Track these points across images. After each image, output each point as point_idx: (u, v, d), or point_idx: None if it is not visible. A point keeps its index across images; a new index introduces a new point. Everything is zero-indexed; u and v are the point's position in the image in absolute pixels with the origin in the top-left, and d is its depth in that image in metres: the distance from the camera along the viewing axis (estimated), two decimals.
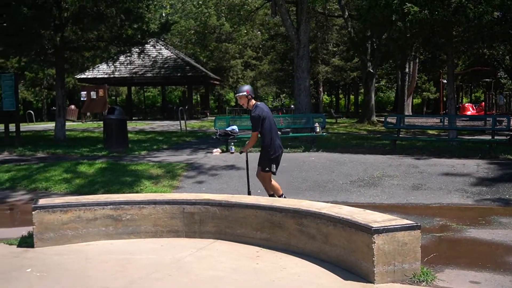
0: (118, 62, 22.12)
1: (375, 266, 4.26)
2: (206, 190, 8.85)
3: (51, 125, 25.14)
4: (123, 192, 8.49)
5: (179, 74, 30.43)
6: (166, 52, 32.20)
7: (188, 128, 21.58)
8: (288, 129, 14.43)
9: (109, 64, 22.81)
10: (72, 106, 33.22)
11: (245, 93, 6.96)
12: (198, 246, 5.49)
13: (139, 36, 17.40)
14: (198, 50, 41.94)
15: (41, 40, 15.82)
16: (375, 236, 4.25)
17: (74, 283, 4.38)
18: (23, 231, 6.12)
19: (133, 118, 32.95)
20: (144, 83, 36.66)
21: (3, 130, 16.03)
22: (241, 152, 7.75)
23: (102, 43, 17.69)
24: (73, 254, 5.28)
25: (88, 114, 30.94)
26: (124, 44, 17.42)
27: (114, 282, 4.39)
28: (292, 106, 24.21)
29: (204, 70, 34.13)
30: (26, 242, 5.67)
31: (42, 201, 5.82)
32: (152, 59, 29.65)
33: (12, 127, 15.58)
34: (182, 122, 21.74)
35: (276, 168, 7.14)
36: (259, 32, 42.89)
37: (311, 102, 15.57)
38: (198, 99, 48.06)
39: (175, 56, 32.34)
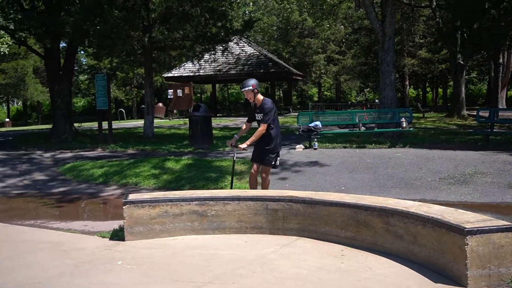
0: (202, 60, 22.63)
1: (468, 270, 4.03)
2: (289, 186, 8.82)
3: (140, 122, 26.22)
4: (208, 188, 8.65)
5: (262, 71, 30.65)
6: (249, 49, 32.54)
7: None
8: (373, 125, 14.08)
9: (194, 62, 23.38)
10: (160, 104, 34.43)
11: (250, 87, 6.78)
12: (281, 243, 5.47)
13: (222, 34, 17.69)
14: (280, 46, 42.04)
15: (130, 41, 16.50)
16: (468, 237, 4.01)
17: (162, 277, 4.50)
18: (114, 224, 6.40)
19: (217, 114, 33.62)
20: (227, 80, 37.28)
21: (97, 128, 16.91)
22: (236, 147, 7.09)
23: (187, 42, 18.16)
24: (160, 248, 5.44)
25: (175, 111, 31.96)
26: (209, 42, 17.79)
27: (200, 276, 4.46)
28: (377, 100, 23.61)
29: (286, 66, 34.14)
30: (117, 235, 5.91)
31: (132, 196, 6.04)
32: (236, 57, 30.08)
33: (105, 124, 16.38)
34: None
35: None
36: (342, 26, 42.26)
37: (396, 96, 15.08)
38: (281, 95, 48.19)
39: (258, 53, 32.60)
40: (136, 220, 5.76)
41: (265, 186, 7.11)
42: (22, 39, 16.71)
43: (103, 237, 6.01)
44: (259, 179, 7.16)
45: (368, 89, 50.75)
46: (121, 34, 15.63)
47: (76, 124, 19.94)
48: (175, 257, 5.11)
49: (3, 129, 33.12)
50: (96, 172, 10.82)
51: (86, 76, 50.49)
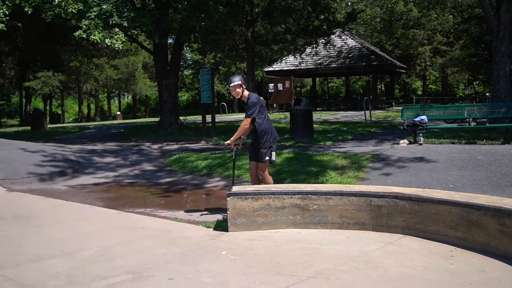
0: (304, 54, 22.58)
1: None
2: (392, 182, 8.55)
3: (241, 116, 26.71)
4: (309, 182, 8.61)
5: (363, 64, 30.00)
6: (351, 42, 31.98)
7: (372, 119, 21.16)
8: (485, 119, 13.28)
9: (296, 56, 23.39)
10: (261, 98, 34.84)
11: (239, 82, 6.62)
12: (385, 240, 5.32)
13: (325, 27, 17.54)
14: (383, 38, 40.89)
15: (234, 36, 16.84)
16: None
17: (265, 268, 4.54)
18: (218, 215, 6.57)
19: (317, 108, 33.42)
20: (328, 73, 36.93)
21: (201, 121, 17.47)
22: (228, 144, 6.95)
23: (289, 35, 18.20)
24: (263, 240, 5.50)
25: (275, 105, 32.21)
26: (311, 35, 17.71)
27: (302, 270, 4.45)
28: (488, 94, 22.22)
29: (389, 58, 33.15)
30: (221, 226, 6.06)
31: (235, 188, 6.15)
32: (337, 50, 29.69)
33: (208, 118, 16.88)
34: (367, 112, 21.38)
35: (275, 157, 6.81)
36: (450, 16, 40.19)
37: (511, 90, 14.08)
38: (382, 88, 46.92)
39: (360, 46, 31.95)
40: (239, 212, 5.86)
41: (265, 183, 6.84)
42: (134, 36, 17.65)
43: (208, 227, 6.19)
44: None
45: (477, 82, 47.94)
46: (225, 29, 16.00)
47: (181, 118, 20.73)
48: (277, 250, 5.14)
49: (115, 122, 35.30)
50: (200, 164, 11.17)
51: (190, 71, 52.40)
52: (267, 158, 6.65)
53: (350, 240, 5.40)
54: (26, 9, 14.66)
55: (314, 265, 4.59)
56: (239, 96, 6.77)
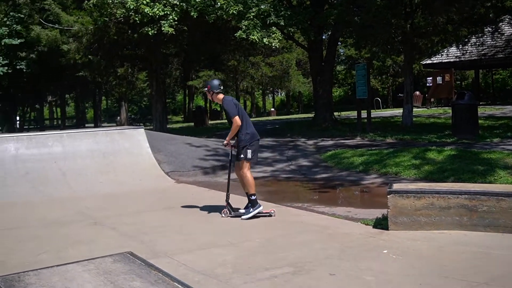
0: (466, 45, 21.16)
1: None
2: None
3: (396, 111, 25.89)
4: (475, 181, 8.04)
5: None
6: None
7: None
8: None
9: (458, 48, 22.00)
10: (417, 92, 33.39)
11: (206, 88, 6.95)
12: None
13: (492, 14, 16.22)
14: None
15: (390, 29, 16.35)
16: None
17: (430, 270, 4.34)
18: (376, 213, 6.43)
19: (481, 103, 31.08)
20: (492, 65, 34.10)
21: (355, 117, 17.26)
22: (225, 145, 6.99)
23: (450, 26, 17.17)
24: (426, 240, 5.26)
25: (432, 99, 30.66)
26: (475, 24, 16.51)
27: (472, 276, 4.17)
28: None
29: None
30: (381, 224, 5.92)
31: (396, 186, 5.97)
32: (506, 38, 27.30)
33: (363, 113, 16.61)
34: None
35: (256, 156, 6.80)
36: None
37: None
38: None
39: None
40: (400, 210, 5.67)
41: (243, 183, 6.75)
42: (291, 33, 18.00)
43: (366, 224, 6.09)
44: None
45: None
46: (382, 22, 15.60)
47: (335, 113, 20.69)
48: (442, 252, 4.88)
49: (270, 118, 36.37)
50: (356, 160, 11.04)
51: (343, 67, 52.01)
52: (242, 156, 6.66)
53: None
54: (192, 13, 15.73)
55: (485, 271, 4.28)
56: (215, 101, 7.04)
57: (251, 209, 6.63)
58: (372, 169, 10.20)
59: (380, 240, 5.39)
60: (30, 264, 4.74)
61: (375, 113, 27.47)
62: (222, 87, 6.93)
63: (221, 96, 6.89)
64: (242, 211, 6.76)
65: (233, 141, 6.97)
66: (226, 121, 36.82)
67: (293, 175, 10.72)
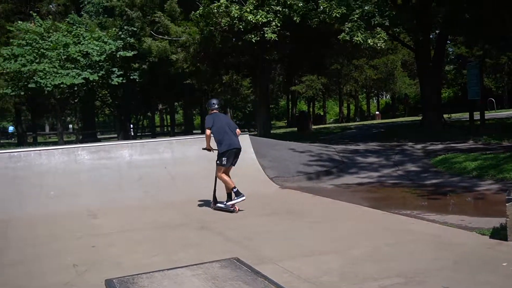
0: None
1: None
2: None
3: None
4: None
5: None
6: None
7: None
8: None
9: None
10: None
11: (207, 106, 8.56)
12: None
13: None
14: None
15: (506, 25, 15.31)
16: None
17: None
18: (493, 222, 5.99)
19: None
20: None
21: (467, 119, 16.33)
22: (207, 149, 8.41)
23: None
24: None
25: None
26: None
27: None
28: None
29: None
30: (499, 234, 5.50)
31: None
32: None
33: (476, 115, 15.69)
34: None
35: (229, 163, 8.03)
36: None
37: None
38: None
39: None
40: None
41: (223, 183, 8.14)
42: (396, 34, 17.46)
43: (482, 234, 5.69)
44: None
45: None
46: (496, 18, 14.64)
47: (445, 115, 19.74)
48: None
49: (374, 121, 35.58)
50: (469, 165, 10.42)
51: (452, 66, 49.58)
52: (218, 161, 8.10)
53: None
54: (294, 18, 15.77)
55: None
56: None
57: (236, 197, 7.86)
58: (487, 175, 9.56)
59: (498, 251, 5.01)
60: (144, 266, 4.96)
61: (489, 114, 25.86)
62: (216, 106, 8.27)
63: (211, 112, 8.24)
64: (222, 205, 8.09)
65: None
66: (330, 125, 36.47)
67: (401, 180, 10.34)
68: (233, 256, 5.01)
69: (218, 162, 8.10)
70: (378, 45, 14.81)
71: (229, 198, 8.07)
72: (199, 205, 8.51)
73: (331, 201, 8.35)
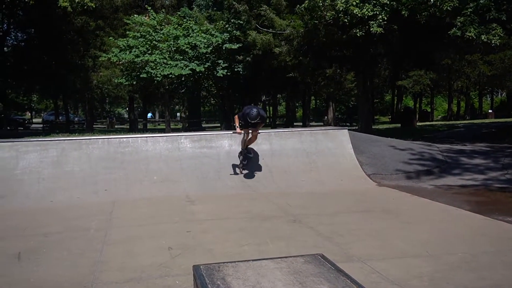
0: None
1: None
2: None
3: None
4: None
5: None
6: None
7: None
8: None
9: None
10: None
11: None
12: None
13: None
14: None
15: None
16: None
17: None
18: None
19: None
20: None
21: None
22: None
23: None
24: None
25: None
26: None
27: None
28: None
29: None
30: None
31: None
32: None
33: None
34: None
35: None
36: None
37: None
38: None
39: None
40: None
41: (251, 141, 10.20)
42: None
43: None
44: None
45: None
46: None
47: None
48: None
49: (486, 120, 33.58)
50: None
51: None
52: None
53: None
54: (402, 12, 15.27)
55: None
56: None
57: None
58: None
59: None
60: (233, 254, 5.13)
61: None
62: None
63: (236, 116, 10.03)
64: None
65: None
66: (436, 123, 34.97)
67: (509, 185, 9.70)
68: (321, 251, 5.02)
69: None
70: (493, 41, 13.93)
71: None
72: (294, 198, 8.57)
73: (429, 202, 8.03)
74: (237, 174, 10.03)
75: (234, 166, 10.20)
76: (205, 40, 24.83)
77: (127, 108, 53.73)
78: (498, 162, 11.92)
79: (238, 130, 9.84)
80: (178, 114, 60.00)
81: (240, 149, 10.31)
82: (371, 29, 16.09)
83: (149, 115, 63.84)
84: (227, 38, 25.49)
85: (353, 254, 5.17)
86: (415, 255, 5.13)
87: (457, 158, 12.41)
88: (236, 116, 9.96)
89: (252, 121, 9.35)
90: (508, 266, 4.72)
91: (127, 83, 26.24)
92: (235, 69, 26.94)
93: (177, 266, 4.91)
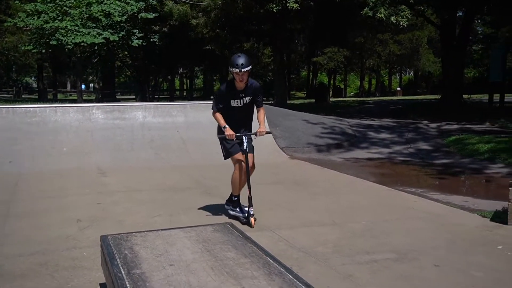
0: None
1: None
2: None
3: None
4: None
5: None
6: None
7: None
8: None
9: None
10: None
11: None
12: None
13: None
14: None
15: None
16: None
17: None
18: (497, 205, 5.98)
19: None
20: None
21: (487, 100, 16.10)
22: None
23: None
24: None
25: None
26: None
27: None
28: None
29: None
30: (500, 217, 5.51)
31: None
32: None
33: (496, 97, 15.46)
34: None
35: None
36: None
37: None
38: None
39: None
40: None
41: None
42: (420, 12, 17.12)
43: (484, 216, 5.69)
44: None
45: None
46: None
47: (464, 96, 19.46)
48: None
49: (394, 98, 35.25)
50: (482, 147, 10.34)
51: (480, 46, 48.54)
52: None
53: None
54: None
55: None
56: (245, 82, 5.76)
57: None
58: (499, 158, 9.49)
59: (496, 234, 5.03)
60: (144, 225, 5.09)
61: (510, 97, 25.41)
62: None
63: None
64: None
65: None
66: (348, 99, 36.21)
67: (411, 158, 10.32)
68: (232, 221, 5.10)
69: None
70: (401, 23, 14.56)
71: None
72: (208, 171, 8.60)
73: (338, 174, 8.38)
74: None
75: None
76: (120, 8, 23.91)
77: (36, 77, 51.02)
78: (402, 136, 12.60)
79: (228, 132, 5.48)
80: (92, 84, 57.81)
81: (231, 195, 5.77)
82: (287, 5, 16.27)
83: (83, 86, 59.81)
84: (143, 7, 24.71)
85: (264, 224, 5.31)
86: (322, 224, 5.35)
87: (366, 133, 12.98)
88: (214, 101, 5.93)
89: (242, 70, 5.41)
90: (405, 233, 5.05)
91: (35, 50, 24.83)
92: (151, 40, 26.25)
93: (85, 238, 4.81)
